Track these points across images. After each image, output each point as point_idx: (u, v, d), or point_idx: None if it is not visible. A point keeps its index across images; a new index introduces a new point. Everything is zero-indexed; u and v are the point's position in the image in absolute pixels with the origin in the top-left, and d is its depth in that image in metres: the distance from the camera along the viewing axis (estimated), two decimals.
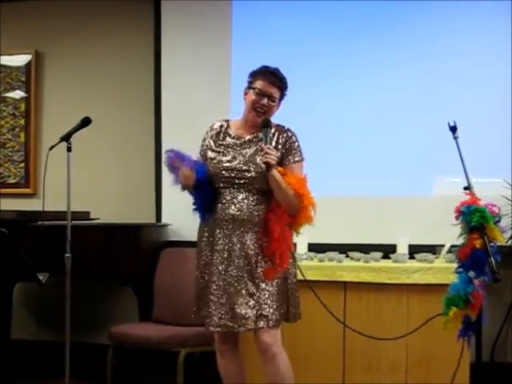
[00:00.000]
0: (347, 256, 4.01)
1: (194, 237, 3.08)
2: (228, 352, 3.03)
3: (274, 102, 2.93)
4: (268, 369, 2.88)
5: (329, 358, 3.75)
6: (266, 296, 2.84)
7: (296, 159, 2.96)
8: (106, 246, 4.20)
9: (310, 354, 3.75)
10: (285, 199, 2.83)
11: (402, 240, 4.03)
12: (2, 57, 5.02)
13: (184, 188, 2.95)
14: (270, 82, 2.91)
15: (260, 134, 2.93)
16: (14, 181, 5.06)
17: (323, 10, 4.45)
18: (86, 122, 3.26)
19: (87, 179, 4.76)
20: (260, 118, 2.91)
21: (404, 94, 4.29)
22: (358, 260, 3.92)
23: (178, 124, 4.60)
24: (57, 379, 3.52)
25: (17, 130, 5.07)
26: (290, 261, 2.93)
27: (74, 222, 3.34)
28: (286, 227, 2.88)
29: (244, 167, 2.90)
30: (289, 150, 2.95)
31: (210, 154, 2.98)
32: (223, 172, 2.91)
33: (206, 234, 2.96)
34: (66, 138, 3.18)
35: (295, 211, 2.86)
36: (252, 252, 2.86)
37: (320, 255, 3.96)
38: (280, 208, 2.85)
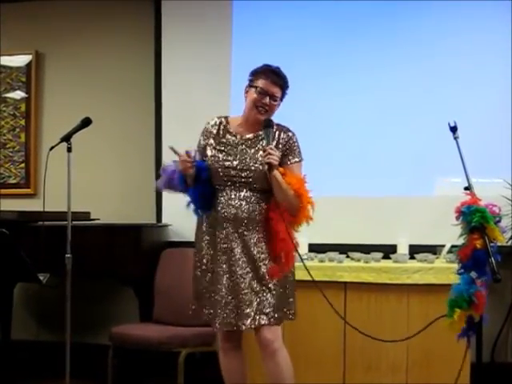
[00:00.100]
0: (348, 256, 4.01)
1: (194, 237, 3.08)
2: (231, 351, 3.03)
3: (275, 101, 2.93)
4: (268, 365, 2.88)
5: (329, 358, 3.75)
6: (269, 294, 2.85)
7: (296, 159, 2.97)
8: (106, 247, 4.20)
9: (310, 354, 3.75)
10: (285, 199, 2.84)
11: (402, 240, 4.03)
12: (3, 57, 5.02)
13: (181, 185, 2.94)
14: (272, 81, 2.91)
15: (261, 133, 2.93)
16: (14, 181, 5.06)
17: (323, 10, 4.45)
18: (86, 122, 3.26)
19: (87, 179, 4.76)
20: (262, 117, 2.91)
21: (404, 94, 4.29)
22: (359, 260, 3.92)
23: (178, 124, 4.60)
24: (57, 379, 3.52)
25: (17, 130, 5.07)
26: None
27: (74, 222, 3.34)
28: (289, 226, 2.88)
29: (245, 166, 2.90)
30: (289, 149, 2.96)
31: (211, 151, 2.97)
32: (224, 171, 2.91)
33: (206, 233, 2.96)
34: (67, 138, 3.18)
35: (294, 211, 2.87)
36: (255, 251, 2.87)
37: (320, 255, 3.96)
38: (280, 207, 2.85)
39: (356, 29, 4.39)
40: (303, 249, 3.98)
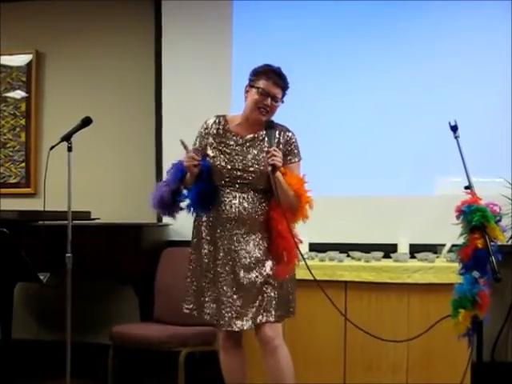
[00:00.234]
0: (348, 255, 4.01)
1: None
2: (232, 349, 3.03)
3: (276, 102, 2.92)
4: (269, 362, 2.88)
5: (329, 357, 3.75)
6: (272, 293, 2.86)
7: (295, 159, 2.99)
8: (106, 246, 4.20)
9: (310, 353, 3.75)
10: (285, 199, 2.84)
11: (402, 239, 4.04)
12: (3, 57, 5.02)
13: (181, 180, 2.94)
14: (273, 83, 2.90)
15: (261, 133, 2.94)
16: (14, 181, 5.06)
17: (323, 9, 4.45)
18: (86, 121, 3.26)
19: (88, 179, 4.76)
20: (263, 118, 2.91)
21: (404, 94, 4.29)
22: (359, 259, 3.92)
23: (178, 124, 4.60)
24: (57, 379, 3.52)
25: (17, 129, 5.07)
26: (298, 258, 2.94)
27: (74, 221, 3.34)
28: (290, 224, 2.88)
29: (247, 167, 2.90)
30: (289, 149, 2.97)
31: (212, 151, 2.97)
32: (226, 171, 2.90)
33: (206, 233, 2.95)
34: (67, 137, 3.18)
35: (294, 210, 2.88)
36: (258, 250, 2.88)
37: (321, 255, 3.96)
38: (280, 207, 2.85)
39: (356, 29, 4.39)
40: (304, 248, 3.99)
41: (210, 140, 2.99)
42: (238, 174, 2.90)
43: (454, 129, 2.84)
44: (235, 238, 2.88)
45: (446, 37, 4.25)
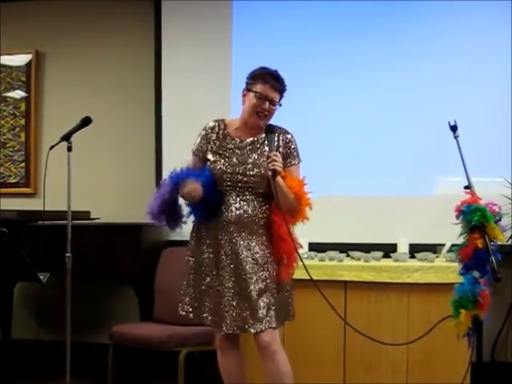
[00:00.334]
0: (348, 255, 4.01)
1: None
2: (229, 350, 3.03)
3: (274, 105, 2.91)
4: (267, 367, 2.88)
5: (329, 358, 3.75)
6: (273, 297, 2.85)
7: (295, 161, 2.98)
8: (106, 246, 4.20)
9: (310, 354, 3.75)
10: (286, 203, 2.83)
11: (402, 239, 4.04)
12: (2, 56, 5.02)
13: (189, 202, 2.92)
14: (271, 86, 2.89)
15: (260, 137, 2.94)
16: (14, 180, 5.06)
17: (323, 10, 4.45)
18: (86, 121, 3.26)
19: (87, 179, 4.76)
20: (261, 122, 2.90)
21: (404, 94, 4.29)
22: (359, 259, 3.92)
23: (178, 124, 4.60)
24: (57, 379, 3.52)
25: (17, 129, 5.07)
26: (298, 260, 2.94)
27: (74, 221, 3.35)
28: (290, 227, 2.88)
29: (248, 172, 2.89)
30: (289, 152, 2.97)
31: (212, 156, 2.96)
32: (227, 176, 2.90)
33: (206, 236, 2.94)
34: (67, 137, 3.18)
35: (294, 212, 2.88)
36: (259, 254, 2.87)
37: (320, 254, 3.96)
38: (281, 209, 2.85)
39: (356, 29, 4.39)
40: (303, 248, 3.98)
41: (211, 145, 2.98)
42: (239, 178, 2.89)
43: (454, 129, 2.84)
44: (236, 242, 2.87)
45: (446, 37, 4.25)
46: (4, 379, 4.05)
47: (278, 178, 2.80)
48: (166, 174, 4.50)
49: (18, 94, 5.06)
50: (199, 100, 4.59)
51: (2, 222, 3.83)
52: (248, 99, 2.93)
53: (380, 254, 3.95)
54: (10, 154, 5.07)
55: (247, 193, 2.90)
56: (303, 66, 4.38)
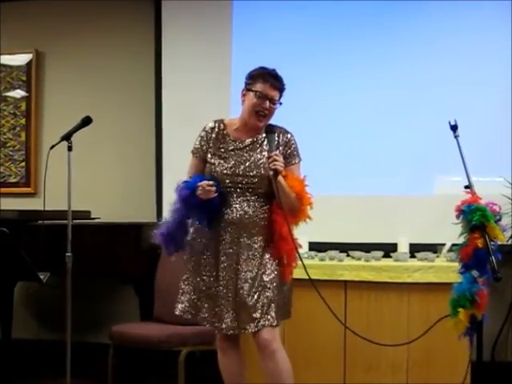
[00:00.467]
0: (348, 255, 4.01)
1: None
2: (230, 349, 3.03)
3: (274, 104, 2.91)
4: (267, 366, 2.87)
5: (329, 358, 3.75)
6: (273, 296, 2.85)
7: (296, 161, 2.99)
8: (106, 246, 4.20)
9: (310, 354, 3.74)
10: (287, 202, 2.84)
11: (402, 239, 4.03)
12: (3, 56, 5.03)
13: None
14: (271, 85, 2.89)
15: (260, 137, 2.94)
16: (14, 180, 5.07)
17: (322, 9, 4.45)
18: (86, 121, 3.26)
19: (88, 178, 4.77)
20: (261, 122, 2.91)
21: (404, 93, 4.30)
22: (359, 259, 3.92)
23: (178, 123, 4.60)
24: (57, 378, 3.52)
25: (17, 129, 5.07)
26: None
27: (74, 221, 3.35)
28: (291, 227, 2.88)
29: (248, 172, 2.89)
30: (289, 151, 2.97)
31: (212, 157, 2.95)
32: (228, 176, 2.90)
33: (205, 237, 2.94)
34: (67, 137, 3.18)
35: (295, 212, 2.88)
36: (260, 254, 2.88)
37: (321, 254, 3.96)
38: (282, 209, 2.85)
39: (355, 28, 4.39)
40: (303, 247, 3.98)
41: (211, 146, 2.98)
42: (239, 178, 2.90)
43: (454, 128, 2.84)
44: (237, 243, 2.87)
45: (446, 36, 4.25)
46: (4, 379, 4.05)
47: (280, 178, 2.80)
48: (166, 174, 4.60)
49: (19, 93, 5.07)
50: (199, 100, 4.59)
51: (2, 221, 3.83)
52: (248, 99, 2.93)
53: (380, 253, 3.95)
54: (11, 153, 5.07)
55: (248, 193, 2.90)
56: (303, 66, 4.38)
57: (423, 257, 3.85)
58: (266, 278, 2.85)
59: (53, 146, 3.12)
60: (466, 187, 2.67)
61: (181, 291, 3.00)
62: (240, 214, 2.88)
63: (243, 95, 2.96)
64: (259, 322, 2.82)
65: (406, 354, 3.64)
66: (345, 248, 4.07)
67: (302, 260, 2.87)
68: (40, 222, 3.91)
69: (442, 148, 3.95)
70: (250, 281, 2.84)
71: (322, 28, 4.46)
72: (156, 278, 4.24)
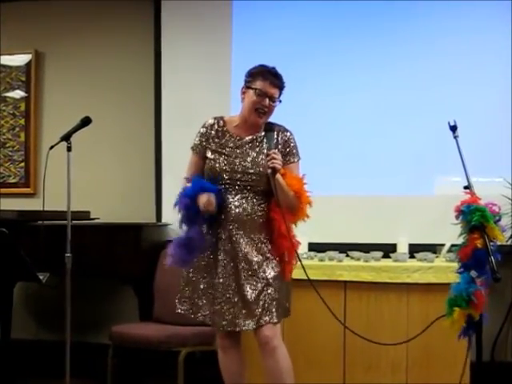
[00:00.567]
0: (347, 255, 4.01)
1: None
2: (230, 348, 3.03)
3: (274, 102, 2.92)
4: (268, 362, 2.87)
5: (329, 358, 3.75)
6: (273, 293, 2.85)
7: (295, 159, 2.99)
8: (106, 246, 4.20)
9: (310, 353, 3.75)
10: (286, 200, 2.84)
11: (402, 239, 4.04)
12: (2, 56, 5.02)
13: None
14: (270, 83, 2.90)
15: (260, 135, 2.95)
16: (14, 180, 5.07)
17: (323, 9, 4.45)
18: (86, 121, 3.25)
19: (87, 179, 4.76)
20: (261, 120, 2.91)
21: (404, 93, 4.30)
22: (358, 259, 3.92)
23: (178, 124, 4.60)
24: (57, 379, 3.52)
25: (17, 129, 5.07)
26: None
27: (74, 221, 3.34)
28: (290, 225, 2.89)
29: (247, 170, 2.89)
30: (288, 150, 2.97)
31: (211, 154, 2.96)
32: (226, 173, 2.90)
33: (204, 234, 2.94)
34: (66, 137, 3.18)
35: (294, 210, 2.88)
36: (259, 251, 2.88)
37: (320, 254, 3.96)
38: (280, 207, 2.85)
39: (355, 28, 4.39)
40: (303, 248, 3.99)
41: (210, 142, 2.98)
42: (238, 176, 2.90)
43: (454, 128, 2.84)
44: (235, 240, 2.88)
45: (446, 36, 4.26)
46: (4, 379, 4.05)
47: (278, 176, 2.81)
48: (166, 174, 4.60)
49: (18, 93, 5.07)
50: (199, 100, 4.59)
51: (2, 221, 3.83)
52: (247, 97, 2.93)
53: (380, 254, 3.95)
54: (10, 153, 5.07)
55: (246, 191, 2.90)
56: (303, 66, 4.38)
57: (422, 257, 3.85)
58: (267, 276, 2.86)
59: (52, 147, 3.11)
60: (466, 187, 2.67)
61: (180, 290, 3.00)
62: (238, 212, 2.88)
63: (243, 93, 2.97)
64: (260, 318, 2.82)
65: (406, 353, 3.64)
66: (344, 248, 4.07)
67: (300, 260, 2.87)
68: (39, 222, 3.90)
69: (441, 148, 3.95)
70: (250, 278, 2.84)
71: (322, 28, 4.46)
72: (155, 279, 4.24)
